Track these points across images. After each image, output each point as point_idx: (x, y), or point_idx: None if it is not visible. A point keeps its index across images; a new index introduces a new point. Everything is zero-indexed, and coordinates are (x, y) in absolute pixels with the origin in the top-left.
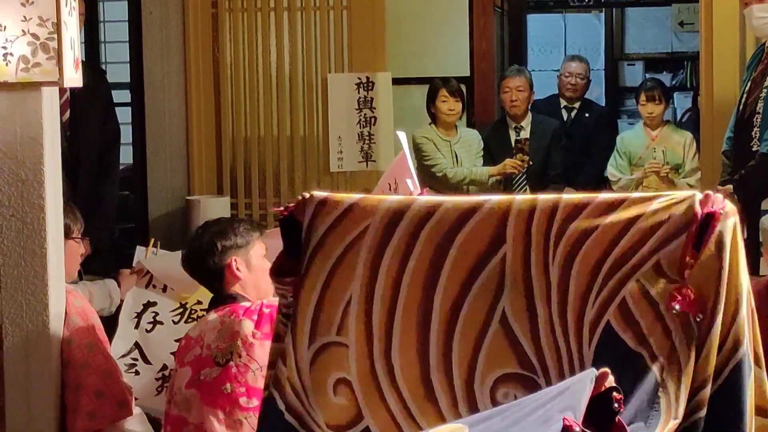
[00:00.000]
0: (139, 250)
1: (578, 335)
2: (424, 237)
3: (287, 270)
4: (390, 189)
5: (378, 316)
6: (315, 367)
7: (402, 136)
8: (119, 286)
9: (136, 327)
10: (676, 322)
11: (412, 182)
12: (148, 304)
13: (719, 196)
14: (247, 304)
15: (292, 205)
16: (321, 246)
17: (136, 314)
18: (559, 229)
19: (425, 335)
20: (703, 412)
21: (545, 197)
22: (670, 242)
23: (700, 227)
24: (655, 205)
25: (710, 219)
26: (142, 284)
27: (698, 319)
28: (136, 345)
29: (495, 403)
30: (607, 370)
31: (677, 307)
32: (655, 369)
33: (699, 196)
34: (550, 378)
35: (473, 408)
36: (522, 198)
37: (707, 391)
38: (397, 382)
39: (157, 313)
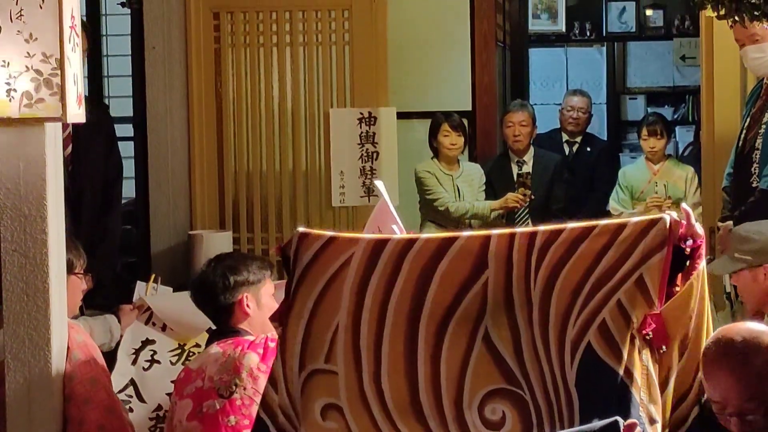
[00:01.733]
0: (140, 286)
1: (560, 355)
2: (408, 264)
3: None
4: None
5: (365, 343)
6: (304, 394)
7: (380, 184)
8: (119, 321)
9: (134, 363)
10: (647, 347)
11: (398, 227)
12: (147, 342)
13: (695, 223)
14: (251, 337)
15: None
16: (305, 276)
17: (134, 350)
18: (540, 252)
19: (412, 359)
20: None
21: (523, 229)
22: (652, 256)
23: (678, 252)
24: (630, 226)
25: (692, 251)
26: (142, 320)
27: (660, 352)
28: (132, 382)
29: (484, 420)
30: (635, 421)
31: (650, 333)
32: (634, 391)
33: (668, 217)
34: (536, 395)
35: (463, 427)
36: (500, 230)
37: None
38: (388, 406)
39: (155, 352)
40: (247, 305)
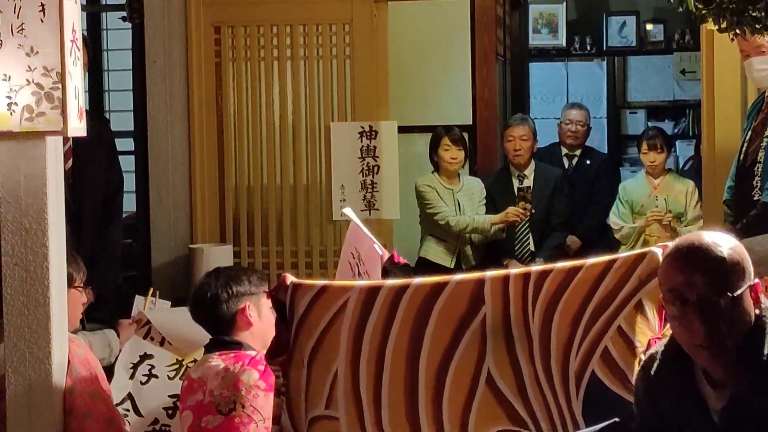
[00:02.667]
0: (138, 300)
1: (565, 387)
2: (404, 306)
3: (278, 349)
4: (354, 258)
5: (365, 387)
6: None
7: (347, 210)
8: (118, 336)
9: (131, 378)
10: None
11: (378, 246)
12: (145, 356)
13: None
14: (252, 353)
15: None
16: (302, 326)
17: (132, 365)
18: (535, 286)
19: (413, 402)
20: None
21: (516, 270)
22: (650, 280)
23: None
24: (621, 258)
25: None
26: (141, 334)
27: None
28: (129, 396)
29: None
30: None
31: None
32: None
33: (660, 250)
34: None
35: None
36: (493, 271)
37: None
38: None
39: (153, 366)
40: (249, 314)
